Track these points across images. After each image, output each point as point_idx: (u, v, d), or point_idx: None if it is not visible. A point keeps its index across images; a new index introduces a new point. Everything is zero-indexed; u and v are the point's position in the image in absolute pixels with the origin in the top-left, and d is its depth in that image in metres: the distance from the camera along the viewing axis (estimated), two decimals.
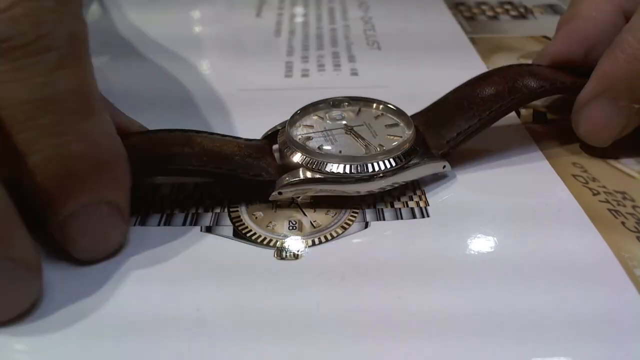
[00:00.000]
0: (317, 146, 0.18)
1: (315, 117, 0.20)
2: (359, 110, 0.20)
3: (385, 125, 0.19)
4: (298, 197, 0.18)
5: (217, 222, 0.17)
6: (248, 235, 0.17)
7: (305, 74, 0.27)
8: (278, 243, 0.16)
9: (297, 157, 0.18)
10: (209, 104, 0.24)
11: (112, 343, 0.14)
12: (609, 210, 0.18)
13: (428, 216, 0.17)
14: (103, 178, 0.15)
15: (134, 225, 0.17)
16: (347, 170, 0.17)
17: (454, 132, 0.19)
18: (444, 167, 0.18)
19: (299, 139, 0.18)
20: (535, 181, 0.19)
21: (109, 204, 0.15)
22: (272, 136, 0.19)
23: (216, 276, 0.15)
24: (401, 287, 0.15)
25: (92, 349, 0.13)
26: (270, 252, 0.16)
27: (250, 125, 0.20)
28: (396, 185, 0.18)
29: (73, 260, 0.16)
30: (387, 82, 0.26)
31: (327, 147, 0.18)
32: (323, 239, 0.17)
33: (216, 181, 0.19)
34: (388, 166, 0.17)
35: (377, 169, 0.17)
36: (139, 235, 0.17)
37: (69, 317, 0.14)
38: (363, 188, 0.17)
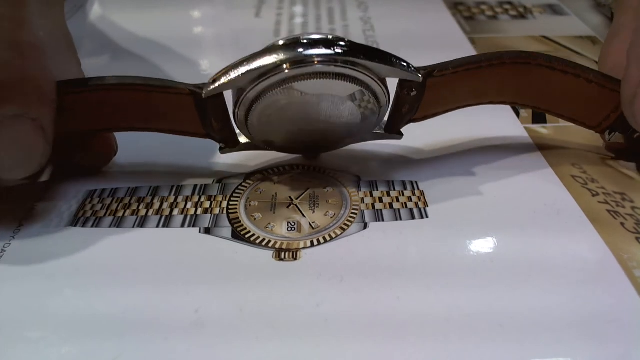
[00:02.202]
0: None
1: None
2: None
3: None
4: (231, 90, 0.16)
5: (215, 223, 0.17)
6: (247, 236, 0.17)
7: None
8: (277, 244, 0.16)
9: None
10: None
11: (112, 343, 0.14)
12: (608, 211, 0.18)
13: (427, 217, 0.17)
14: (27, 92, 0.15)
15: (133, 227, 0.17)
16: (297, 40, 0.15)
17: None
18: (418, 75, 0.16)
19: None
20: (534, 182, 0.19)
21: (33, 120, 0.15)
22: None
23: (215, 277, 0.15)
24: (400, 287, 0.15)
25: (92, 349, 0.13)
26: (269, 253, 0.16)
27: None
28: (350, 68, 0.15)
29: (73, 259, 0.16)
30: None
31: None
32: (322, 240, 0.17)
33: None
34: (345, 43, 0.15)
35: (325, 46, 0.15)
36: (138, 237, 0.17)
37: (68, 317, 0.14)
38: (309, 70, 0.15)
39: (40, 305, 0.15)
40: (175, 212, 0.18)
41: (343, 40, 0.15)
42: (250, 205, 0.18)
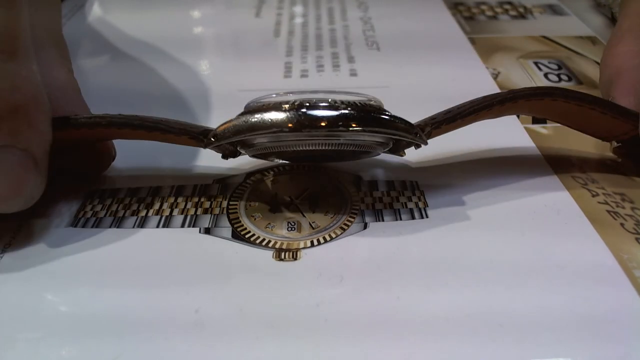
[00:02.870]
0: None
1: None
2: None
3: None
4: (237, 146, 0.16)
5: (215, 223, 0.17)
6: (247, 236, 0.17)
7: (304, 74, 0.27)
8: (277, 244, 0.16)
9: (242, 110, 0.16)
10: (207, 104, 0.24)
11: (112, 343, 0.14)
12: (608, 211, 0.18)
13: (427, 217, 0.17)
14: (18, 122, 0.14)
15: (133, 227, 0.17)
16: (291, 99, 0.14)
17: (433, 118, 0.17)
18: (416, 134, 0.16)
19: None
20: (534, 182, 0.19)
21: (23, 151, 0.15)
22: None
23: (215, 277, 0.15)
24: (400, 287, 0.15)
25: (92, 349, 0.13)
26: (269, 253, 0.16)
27: None
28: (352, 142, 0.15)
29: (73, 260, 0.16)
30: (387, 82, 0.26)
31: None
32: (322, 240, 0.17)
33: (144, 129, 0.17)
34: (344, 107, 0.14)
35: (327, 109, 0.14)
36: (138, 237, 0.17)
37: (69, 317, 0.14)
38: (312, 134, 0.14)
39: (40, 305, 0.15)
40: (175, 212, 0.18)
41: (351, 107, 0.15)
42: (250, 205, 0.18)
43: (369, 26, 0.32)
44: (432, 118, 0.17)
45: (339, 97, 0.15)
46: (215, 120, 0.23)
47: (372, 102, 0.15)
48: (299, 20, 0.33)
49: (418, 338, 0.14)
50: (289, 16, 0.33)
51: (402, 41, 0.30)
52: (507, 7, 0.34)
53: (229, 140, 0.16)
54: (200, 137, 0.16)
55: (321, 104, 0.15)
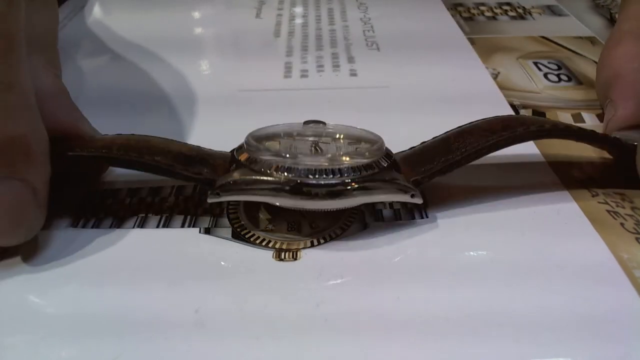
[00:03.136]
0: (272, 149, 0.16)
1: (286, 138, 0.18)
2: (337, 136, 0.18)
3: (356, 148, 0.17)
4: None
5: (215, 223, 0.17)
6: (247, 236, 0.17)
7: (304, 74, 0.27)
8: (277, 244, 0.16)
9: (243, 156, 0.16)
10: (207, 104, 0.24)
11: (112, 343, 0.14)
12: (608, 211, 0.18)
13: (427, 217, 0.17)
14: (15, 153, 0.14)
15: (133, 227, 0.17)
16: (294, 175, 0.15)
17: (431, 163, 0.17)
18: (412, 195, 0.16)
19: (257, 137, 0.17)
20: (534, 182, 0.19)
21: (22, 181, 0.14)
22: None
23: (215, 277, 0.15)
24: (400, 287, 0.15)
25: (92, 349, 0.13)
26: (269, 254, 0.16)
27: (249, 127, 0.20)
28: (350, 207, 0.16)
29: (73, 260, 0.16)
30: (387, 82, 0.26)
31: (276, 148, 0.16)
32: (322, 240, 0.17)
33: (153, 173, 0.17)
34: (338, 178, 0.15)
35: (323, 180, 0.15)
36: (138, 237, 0.17)
37: (69, 317, 0.14)
38: (309, 205, 0.15)
39: (40, 305, 0.15)
40: (175, 212, 0.18)
41: (346, 176, 0.15)
42: (250, 205, 0.18)
43: (369, 26, 0.32)
44: (430, 168, 0.17)
45: (338, 149, 0.16)
46: (214, 119, 0.23)
47: (374, 161, 0.16)
48: (299, 20, 0.33)
49: (418, 338, 0.14)
50: (289, 17, 0.33)
51: (401, 41, 0.30)
52: (506, 8, 0.34)
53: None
54: (206, 186, 0.17)
55: (315, 183, 0.15)
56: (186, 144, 0.18)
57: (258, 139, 0.17)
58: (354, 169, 0.16)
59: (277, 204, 0.16)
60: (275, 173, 0.15)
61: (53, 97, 0.17)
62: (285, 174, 0.15)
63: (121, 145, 0.17)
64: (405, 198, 0.16)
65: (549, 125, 0.18)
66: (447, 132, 0.18)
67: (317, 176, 0.15)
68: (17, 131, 0.14)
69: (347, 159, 0.16)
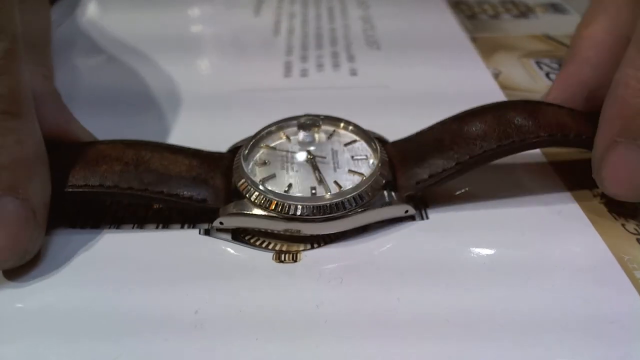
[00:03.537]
0: (268, 174, 0.17)
1: (284, 138, 0.19)
2: (333, 132, 0.19)
3: (353, 158, 0.18)
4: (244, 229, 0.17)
5: None
6: (247, 238, 0.17)
7: (304, 73, 0.27)
8: (277, 246, 0.16)
9: (242, 186, 0.17)
10: (207, 104, 0.24)
11: (112, 343, 0.14)
12: (610, 212, 0.17)
13: (427, 218, 0.17)
14: (19, 174, 0.15)
15: (133, 228, 0.17)
16: (293, 212, 0.16)
17: (426, 173, 0.17)
18: (406, 211, 0.17)
19: (254, 161, 0.18)
20: (535, 182, 0.19)
21: (23, 201, 0.15)
22: (237, 150, 0.18)
23: (215, 279, 0.15)
24: (400, 288, 0.15)
25: (92, 349, 0.13)
26: (269, 255, 0.16)
27: (249, 126, 0.20)
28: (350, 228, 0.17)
29: (72, 261, 0.16)
30: (387, 81, 0.26)
31: (277, 178, 0.17)
32: (322, 242, 0.17)
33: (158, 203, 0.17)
34: (337, 210, 0.16)
35: (323, 212, 0.16)
36: (137, 238, 0.17)
37: (68, 317, 0.14)
38: (309, 230, 0.16)
39: (39, 305, 0.15)
40: (175, 213, 0.18)
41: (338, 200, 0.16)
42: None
43: (370, 25, 0.32)
44: (424, 180, 0.17)
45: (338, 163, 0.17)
46: (214, 119, 0.23)
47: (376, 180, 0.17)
48: (298, 19, 0.33)
49: (418, 338, 0.14)
50: (289, 15, 0.33)
51: (402, 40, 0.30)
52: (509, 6, 0.34)
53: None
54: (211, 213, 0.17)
55: (314, 218, 0.16)
56: (185, 154, 0.18)
57: (254, 162, 0.18)
58: (353, 200, 0.16)
59: (275, 231, 0.16)
60: (274, 209, 0.16)
61: (41, 99, 0.17)
62: (285, 212, 0.16)
63: (121, 173, 0.16)
64: (399, 214, 0.17)
65: (546, 136, 0.17)
66: (443, 122, 0.18)
67: (315, 214, 0.16)
68: (23, 153, 0.15)
69: (348, 185, 0.17)
